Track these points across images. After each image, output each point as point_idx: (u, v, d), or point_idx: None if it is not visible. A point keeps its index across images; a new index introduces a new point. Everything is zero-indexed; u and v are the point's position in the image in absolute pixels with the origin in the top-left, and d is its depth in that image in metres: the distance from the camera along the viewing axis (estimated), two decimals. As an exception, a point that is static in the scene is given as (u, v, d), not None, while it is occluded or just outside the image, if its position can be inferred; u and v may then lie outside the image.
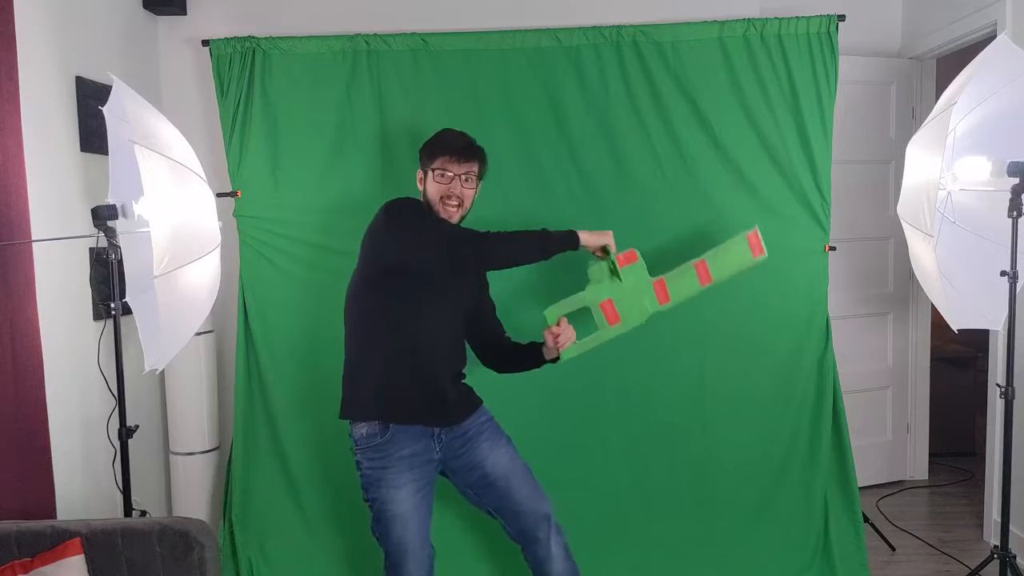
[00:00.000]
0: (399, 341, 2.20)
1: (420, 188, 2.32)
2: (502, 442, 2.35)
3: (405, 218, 2.20)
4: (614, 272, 2.32)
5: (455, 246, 2.15)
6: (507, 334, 2.50)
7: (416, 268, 2.18)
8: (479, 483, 2.31)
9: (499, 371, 2.49)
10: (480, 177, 2.33)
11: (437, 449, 2.28)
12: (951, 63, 3.43)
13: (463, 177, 2.26)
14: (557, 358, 2.36)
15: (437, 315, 2.24)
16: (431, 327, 2.23)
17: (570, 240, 2.23)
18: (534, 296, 2.78)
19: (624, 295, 2.35)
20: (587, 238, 2.25)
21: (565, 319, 2.32)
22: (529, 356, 2.41)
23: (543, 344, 2.35)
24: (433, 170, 2.25)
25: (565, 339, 2.29)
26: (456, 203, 2.25)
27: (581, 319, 2.36)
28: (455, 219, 2.26)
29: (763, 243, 2.42)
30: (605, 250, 2.30)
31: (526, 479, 2.34)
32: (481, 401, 2.39)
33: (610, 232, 2.30)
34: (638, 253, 2.34)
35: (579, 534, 2.49)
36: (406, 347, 2.20)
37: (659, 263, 2.52)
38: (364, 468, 2.22)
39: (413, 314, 2.20)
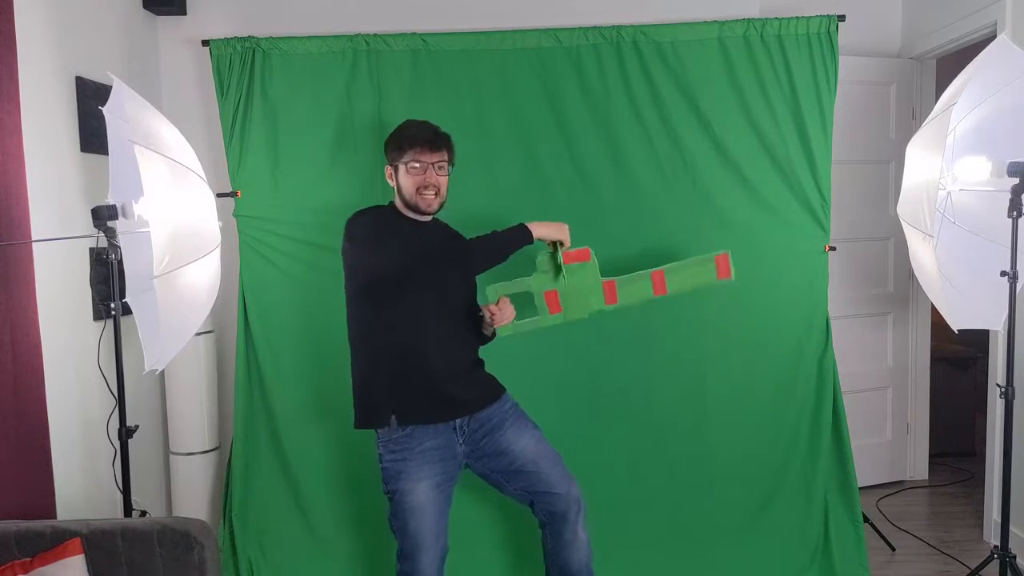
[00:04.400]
0: (397, 349, 2.21)
1: (391, 184, 2.34)
2: (528, 427, 2.37)
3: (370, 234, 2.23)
4: (559, 268, 2.35)
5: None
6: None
7: (398, 274, 2.19)
8: (508, 469, 2.33)
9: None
10: (451, 164, 2.34)
11: (460, 442, 2.29)
12: (951, 63, 3.42)
13: (436, 166, 2.27)
14: (493, 334, 2.39)
15: (430, 318, 2.24)
16: (427, 330, 2.23)
17: (523, 236, 2.25)
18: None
19: (570, 289, 2.40)
20: (543, 231, 2.28)
21: (507, 299, 2.35)
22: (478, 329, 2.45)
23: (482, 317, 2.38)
24: (406, 163, 2.26)
25: (501, 319, 2.32)
26: (433, 192, 2.27)
27: (524, 301, 2.39)
28: (434, 207, 2.29)
29: (732, 268, 2.48)
30: (557, 245, 2.32)
31: (556, 463, 2.36)
32: (503, 389, 2.40)
33: (566, 226, 2.32)
34: (591, 252, 2.38)
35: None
36: (405, 353, 2.21)
37: (657, 263, 2.52)
38: (385, 461, 2.24)
39: (405, 320, 2.21)
